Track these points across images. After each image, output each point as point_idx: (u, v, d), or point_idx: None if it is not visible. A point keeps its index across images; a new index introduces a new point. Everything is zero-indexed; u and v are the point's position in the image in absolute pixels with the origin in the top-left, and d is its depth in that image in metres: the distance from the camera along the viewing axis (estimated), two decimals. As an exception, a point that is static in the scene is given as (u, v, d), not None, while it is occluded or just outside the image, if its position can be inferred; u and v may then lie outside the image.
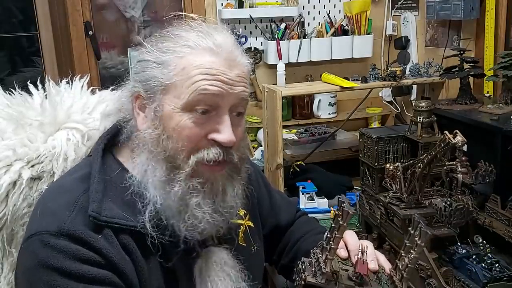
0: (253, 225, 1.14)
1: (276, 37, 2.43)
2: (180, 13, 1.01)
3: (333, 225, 0.88)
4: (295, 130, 2.48)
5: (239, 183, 0.98)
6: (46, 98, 1.18)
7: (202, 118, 0.91)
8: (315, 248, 0.94)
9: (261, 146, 2.26)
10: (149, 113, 0.94)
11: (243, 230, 1.10)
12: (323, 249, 0.91)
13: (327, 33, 2.52)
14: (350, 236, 1.01)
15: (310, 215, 1.38)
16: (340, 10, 2.60)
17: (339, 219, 0.86)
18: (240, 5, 2.44)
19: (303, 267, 0.93)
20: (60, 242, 0.85)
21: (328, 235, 0.90)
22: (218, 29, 0.96)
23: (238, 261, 1.00)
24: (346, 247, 0.98)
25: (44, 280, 0.85)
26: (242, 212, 1.10)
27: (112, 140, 1.02)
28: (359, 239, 1.01)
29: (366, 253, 0.94)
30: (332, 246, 0.88)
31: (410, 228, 0.91)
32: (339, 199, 0.87)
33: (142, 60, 0.96)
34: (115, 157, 1.00)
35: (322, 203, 1.86)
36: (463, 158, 1.32)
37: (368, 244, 1.00)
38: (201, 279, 0.96)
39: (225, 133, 0.91)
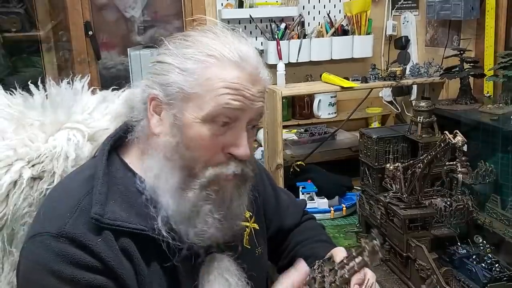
0: (258, 228, 1.13)
1: (276, 37, 2.43)
2: (196, 17, 0.99)
3: (353, 253, 0.85)
4: (295, 130, 2.48)
5: (246, 192, 0.98)
6: (47, 98, 1.18)
7: (221, 131, 0.90)
8: (321, 261, 0.94)
9: (261, 146, 2.26)
10: (166, 118, 0.92)
11: (248, 232, 1.09)
12: (332, 270, 0.88)
13: (327, 33, 2.51)
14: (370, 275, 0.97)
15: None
16: (340, 10, 2.60)
17: (365, 253, 0.81)
18: (240, 5, 2.44)
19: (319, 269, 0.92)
20: (59, 245, 0.85)
21: (344, 261, 0.87)
22: (242, 40, 0.95)
23: (241, 269, 0.99)
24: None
25: (40, 283, 0.85)
26: (247, 214, 1.09)
27: (119, 141, 1.01)
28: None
29: None
30: (346, 275, 0.85)
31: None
32: (372, 233, 0.83)
33: (163, 62, 0.93)
34: (121, 158, 0.99)
35: (322, 203, 1.86)
36: (463, 158, 1.32)
37: (370, 277, 0.98)
38: (202, 285, 0.95)
39: (242, 148, 0.91)
